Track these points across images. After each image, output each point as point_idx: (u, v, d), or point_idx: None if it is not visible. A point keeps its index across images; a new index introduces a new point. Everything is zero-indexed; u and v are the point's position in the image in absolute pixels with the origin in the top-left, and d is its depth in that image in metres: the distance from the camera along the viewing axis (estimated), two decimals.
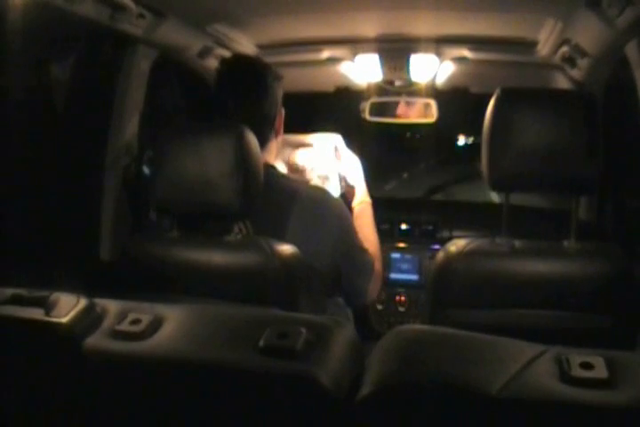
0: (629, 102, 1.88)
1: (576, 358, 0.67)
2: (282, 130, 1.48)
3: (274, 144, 1.45)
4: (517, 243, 1.23)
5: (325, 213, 1.36)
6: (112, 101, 1.74)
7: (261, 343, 0.73)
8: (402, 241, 2.27)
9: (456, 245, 1.23)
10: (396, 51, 1.96)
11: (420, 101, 2.26)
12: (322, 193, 1.40)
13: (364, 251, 1.47)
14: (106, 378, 0.77)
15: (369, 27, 1.82)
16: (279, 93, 1.43)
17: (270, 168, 1.39)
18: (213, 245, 1.23)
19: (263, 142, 1.38)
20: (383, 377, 0.70)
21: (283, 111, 1.46)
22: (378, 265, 1.53)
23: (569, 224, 1.22)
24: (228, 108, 1.40)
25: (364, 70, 2.14)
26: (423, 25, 1.78)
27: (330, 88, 2.40)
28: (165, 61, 1.84)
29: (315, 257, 1.29)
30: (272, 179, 1.34)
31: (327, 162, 1.61)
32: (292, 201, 1.33)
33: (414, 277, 2.21)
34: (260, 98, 1.38)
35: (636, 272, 1.17)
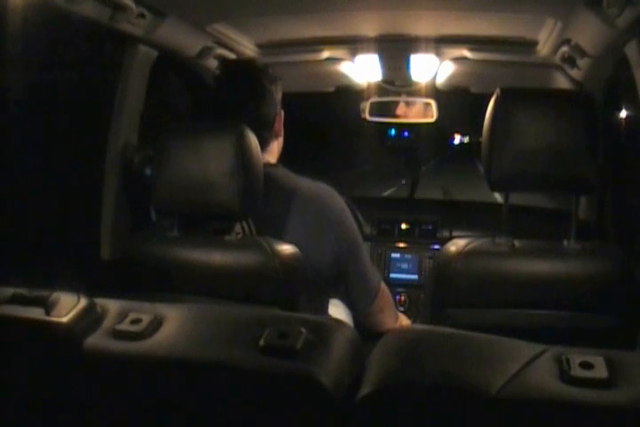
0: (629, 102, 1.88)
1: (576, 357, 0.67)
2: (282, 131, 1.48)
3: (275, 145, 1.46)
4: (517, 243, 1.22)
5: (327, 210, 1.35)
6: (112, 101, 1.74)
7: (262, 343, 0.73)
8: (402, 241, 2.27)
9: (456, 244, 1.23)
10: (395, 51, 1.97)
11: (420, 101, 2.26)
12: (323, 191, 1.39)
13: (370, 265, 1.46)
14: (106, 378, 0.77)
15: (369, 27, 1.82)
16: (277, 95, 1.43)
17: (272, 167, 1.39)
18: (213, 244, 1.23)
19: (264, 144, 1.38)
20: (383, 377, 0.70)
21: (282, 112, 1.47)
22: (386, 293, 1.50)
23: (569, 224, 1.22)
24: (226, 111, 1.40)
25: (363, 70, 2.14)
26: (423, 25, 1.78)
27: (330, 88, 2.41)
28: (165, 61, 1.85)
29: (316, 256, 1.29)
30: (274, 178, 1.34)
31: None
32: (293, 199, 1.32)
33: (414, 276, 2.22)
34: (257, 101, 1.38)
35: (637, 272, 1.17)
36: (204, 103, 2.22)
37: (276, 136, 1.46)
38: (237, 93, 1.39)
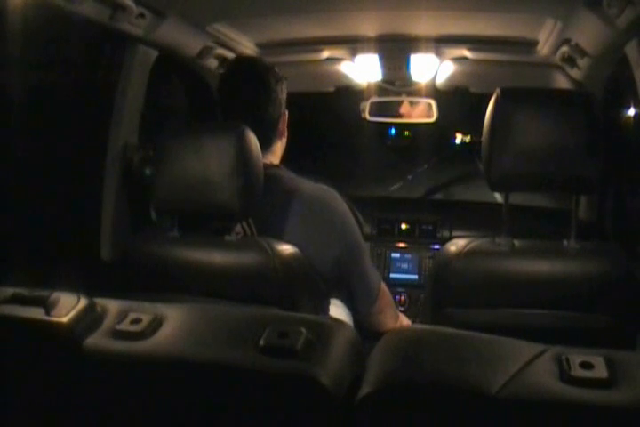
0: (629, 102, 1.88)
1: (576, 357, 0.67)
2: (285, 131, 1.47)
3: (278, 146, 1.45)
4: (517, 243, 1.23)
5: (329, 212, 1.35)
6: (112, 101, 1.74)
7: (262, 343, 0.73)
8: (402, 241, 2.27)
9: (456, 244, 1.23)
10: (395, 51, 1.97)
11: (419, 101, 2.26)
12: (325, 192, 1.39)
13: (371, 266, 1.46)
14: (106, 378, 0.77)
15: (369, 27, 1.82)
16: (282, 95, 1.42)
17: (274, 168, 1.39)
18: (214, 244, 1.23)
19: (267, 145, 1.38)
20: (383, 377, 0.70)
21: (287, 113, 1.46)
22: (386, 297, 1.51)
23: (569, 224, 1.22)
24: (230, 111, 1.39)
25: (363, 70, 2.14)
26: (423, 25, 1.78)
27: (330, 88, 2.41)
28: (165, 61, 1.84)
29: (317, 257, 1.29)
30: (276, 179, 1.34)
31: None
32: (295, 201, 1.32)
33: (414, 276, 2.22)
34: (262, 101, 1.37)
35: (636, 272, 1.17)
36: (205, 102, 2.22)
37: (280, 137, 1.45)
38: (242, 92, 1.39)
